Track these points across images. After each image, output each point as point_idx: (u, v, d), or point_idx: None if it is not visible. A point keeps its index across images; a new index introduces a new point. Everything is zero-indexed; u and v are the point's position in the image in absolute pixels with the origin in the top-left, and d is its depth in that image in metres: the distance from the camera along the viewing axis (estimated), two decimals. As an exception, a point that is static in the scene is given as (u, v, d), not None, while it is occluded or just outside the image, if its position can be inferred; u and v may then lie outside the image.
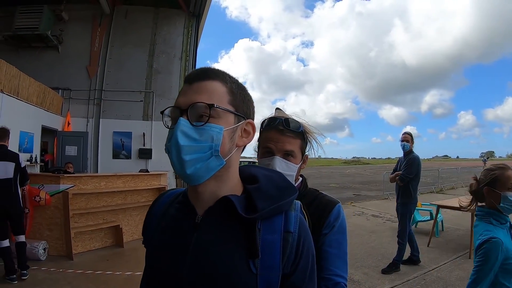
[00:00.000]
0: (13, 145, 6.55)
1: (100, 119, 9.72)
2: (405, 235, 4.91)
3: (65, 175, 5.97)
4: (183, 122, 0.75)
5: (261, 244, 0.77)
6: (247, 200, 0.81)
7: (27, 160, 7.18)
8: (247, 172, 0.91)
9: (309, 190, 1.45)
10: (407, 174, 4.87)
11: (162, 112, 0.83)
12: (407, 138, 5.01)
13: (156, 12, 10.38)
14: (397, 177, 4.93)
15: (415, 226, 7.57)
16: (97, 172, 9.27)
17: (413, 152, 5.03)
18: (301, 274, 0.81)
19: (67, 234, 5.47)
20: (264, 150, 1.30)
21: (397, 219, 5.17)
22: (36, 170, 7.70)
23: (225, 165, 0.80)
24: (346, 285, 1.22)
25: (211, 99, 0.77)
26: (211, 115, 0.77)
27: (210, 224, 0.81)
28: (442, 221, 7.40)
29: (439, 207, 6.60)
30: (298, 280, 0.80)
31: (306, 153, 1.40)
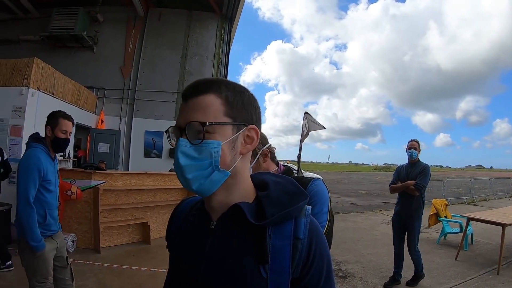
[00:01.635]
0: (48, 140, 6.78)
1: (133, 118, 9.93)
2: (416, 247, 4.61)
3: (96, 171, 6.12)
4: (182, 142, 0.78)
5: (271, 249, 0.79)
6: (257, 206, 0.83)
7: (61, 156, 7.43)
8: (259, 179, 0.92)
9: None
10: (424, 183, 4.54)
11: (166, 132, 0.86)
12: (415, 146, 4.73)
13: (189, 15, 10.49)
14: (411, 187, 4.55)
15: (444, 238, 7.26)
16: (128, 169, 9.49)
17: (420, 160, 4.76)
18: (315, 278, 0.81)
19: (95, 228, 5.62)
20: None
21: (426, 229, 4.84)
22: (69, 165, 7.97)
23: (231, 175, 0.82)
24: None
25: (206, 116, 0.79)
26: (207, 131, 0.78)
27: (223, 229, 0.84)
28: (472, 234, 7.03)
29: (469, 219, 6.19)
30: (311, 284, 0.81)
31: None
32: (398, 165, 5.22)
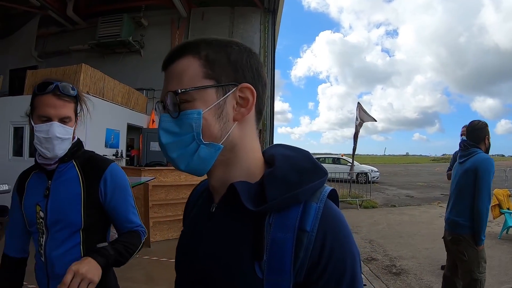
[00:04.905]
0: (99, 141, 7.21)
1: (183, 117, 10.15)
2: None
3: (145, 168, 6.36)
4: (163, 118, 0.69)
5: (270, 243, 0.62)
6: (260, 187, 0.67)
7: (113, 155, 7.87)
8: (269, 152, 0.75)
9: (86, 151, 1.53)
10: None
11: (155, 109, 0.78)
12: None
13: (231, 11, 10.51)
14: None
15: (507, 232, 6.53)
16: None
17: None
18: (331, 284, 0.61)
19: (146, 223, 5.71)
20: (41, 116, 1.34)
21: (488, 222, 4.43)
22: (122, 164, 8.33)
23: (226, 147, 0.68)
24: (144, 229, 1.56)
25: (181, 83, 0.66)
26: (182, 100, 0.66)
27: (222, 214, 0.73)
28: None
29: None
30: None
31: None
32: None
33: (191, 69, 0.67)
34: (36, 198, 1.40)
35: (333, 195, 0.70)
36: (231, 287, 0.65)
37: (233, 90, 0.68)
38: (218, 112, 0.67)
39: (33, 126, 1.33)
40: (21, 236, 1.50)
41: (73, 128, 1.39)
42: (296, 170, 0.67)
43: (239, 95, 0.69)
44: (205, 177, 0.76)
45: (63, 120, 1.33)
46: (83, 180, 1.41)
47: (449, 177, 4.48)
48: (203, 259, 0.71)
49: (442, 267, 4.54)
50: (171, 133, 0.67)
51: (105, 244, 1.30)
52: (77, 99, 1.41)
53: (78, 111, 1.43)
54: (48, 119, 1.30)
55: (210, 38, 0.71)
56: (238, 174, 0.70)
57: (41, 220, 1.38)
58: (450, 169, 4.54)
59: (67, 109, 1.35)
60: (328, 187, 0.69)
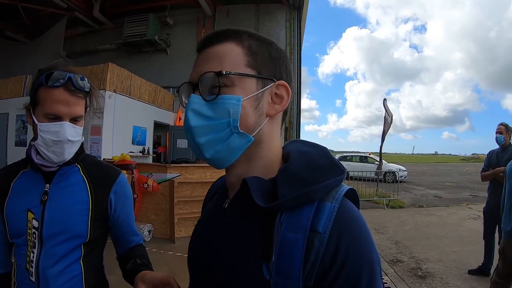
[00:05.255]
0: (127, 138, 7.38)
1: (209, 115, 10.24)
2: None
3: (171, 165, 6.42)
4: (194, 99, 0.64)
5: (279, 243, 0.59)
6: (273, 184, 0.64)
7: (140, 152, 8.04)
8: (286, 149, 0.73)
9: (88, 154, 1.35)
10: None
11: (177, 91, 0.73)
12: (501, 130, 4.20)
13: (257, 8, 10.49)
14: (501, 174, 4.03)
15: None
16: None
17: (511, 144, 4.20)
18: None
19: (171, 219, 5.87)
20: (49, 114, 1.10)
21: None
22: (149, 160, 8.50)
23: (255, 141, 0.66)
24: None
25: (222, 65, 0.64)
26: (223, 84, 0.63)
27: (234, 211, 0.70)
28: None
29: None
30: None
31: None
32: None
33: (234, 54, 0.66)
34: (27, 203, 1.15)
35: (351, 195, 0.66)
36: (236, 287, 0.62)
37: (271, 85, 0.67)
38: (255, 103, 0.66)
39: (36, 124, 1.10)
40: (2, 248, 1.22)
41: (82, 128, 1.18)
42: (311, 167, 0.64)
43: (275, 92, 0.68)
44: (222, 173, 0.74)
45: (75, 120, 1.13)
46: (90, 187, 1.22)
47: (484, 178, 4.35)
48: (210, 256, 0.69)
49: (470, 272, 4.37)
50: (202, 116, 0.64)
51: (142, 261, 1.23)
52: (89, 94, 1.19)
53: (87, 107, 1.21)
54: (57, 118, 1.09)
55: (252, 31, 0.70)
56: (257, 171, 0.68)
57: (33, 230, 1.14)
58: (484, 169, 4.38)
59: (80, 107, 1.14)
60: (346, 186, 0.65)
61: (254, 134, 0.65)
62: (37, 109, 1.11)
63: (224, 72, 0.62)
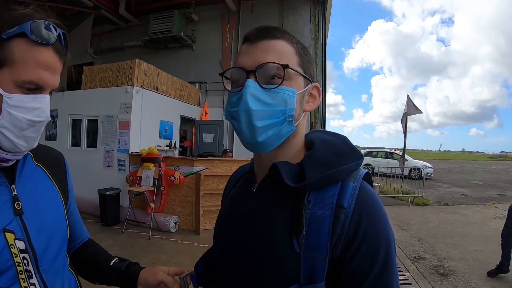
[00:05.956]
0: (154, 132, 7.57)
1: (235, 109, 10.26)
2: None
3: (198, 158, 6.59)
4: (252, 84, 0.69)
5: (308, 219, 0.66)
6: (300, 168, 0.72)
7: (167, 146, 8.25)
8: (308, 137, 0.82)
9: None
10: None
11: (222, 74, 0.78)
12: None
13: (281, 3, 10.41)
14: None
15: None
16: (231, 156, 9.88)
17: None
18: (366, 263, 0.64)
19: (197, 211, 6.02)
20: (28, 83, 0.75)
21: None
22: (175, 154, 8.66)
23: (294, 131, 0.75)
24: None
25: (281, 59, 0.71)
26: (285, 77, 0.70)
27: (263, 193, 0.78)
28: None
29: None
30: (360, 271, 0.64)
31: None
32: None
33: (289, 52, 0.74)
34: None
35: (367, 178, 0.74)
36: (269, 260, 0.68)
37: (310, 85, 0.78)
38: (301, 98, 0.75)
39: (0, 95, 0.72)
40: None
41: None
42: (334, 153, 0.73)
43: (311, 92, 0.79)
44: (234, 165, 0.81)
45: (50, 93, 0.82)
46: (51, 176, 0.95)
47: None
48: (243, 234, 0.75)
49: (489, 274, 4.26)
50: (261, 102, 0.69)
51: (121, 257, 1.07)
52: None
53: None
54: (38, 89, 0.77)
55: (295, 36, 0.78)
56: (286, 156, 0.76)
57: (22, 255, 0.79)
58: None
59: (59, 75, 0.83)
60: (363, 170, 0.74)
61: (296, 124, 0.74)
62: (3, 71, 0.73)
63: (289, 66, 0.70)
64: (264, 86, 0.70)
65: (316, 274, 0.64)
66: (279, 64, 0.69)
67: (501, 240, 4.27)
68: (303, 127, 0.79)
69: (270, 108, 0.69)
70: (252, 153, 0.81)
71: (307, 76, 0.76)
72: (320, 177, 0.67)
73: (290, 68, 0.71)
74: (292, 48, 0.74)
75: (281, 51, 0.72)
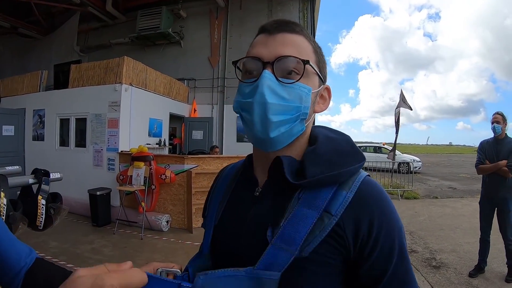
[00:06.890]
0: (143, 130, 7.50)
1: (224, 105, 10.12)
2: None
3: (189, 156, 6.54)
4: (269, 76, 0.66)
5: (292, 214, 0.65)
6: (301, 164, 0.70)
7: (156, 143, 8.17)
8: (312, 133, 0.78)
9: None
10: None
11: (234, 63, 0.75)
12: (498, 119, 3.97)
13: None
14: (503, 168, 3.82)
15: None
16: (221, 154, 9.87)
17: (507, 135, 4.01)
18: (381, 258, 0.64)
19: (188, 209, 5.99)
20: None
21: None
22: (165, 152, 8.59)
23: (303, 131, 0.73)
24: None
25: (301, 55, 0.68)
26: (304, 73, 0.68)
27: (268, 195, 0.73)
28: None
29: None
30: (378, 266, 0.64)
31: None
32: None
33: (308, 49, 0.71)
34: None
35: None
36: (252, 251, 0.65)
37: (323, 86, 0.76)
38: (314, 98, 0.73)
39: None
40: None
41: None
42: (336, 151, 0.71)
43: (322, 93, 0.77)
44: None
45: None
46: None
47: (482, 171, 4.14)
48: (249, 240, 0.70)
49: (470, 275, 4.12)
50: (277, 95, 0.66)
51: None
52: None
53: None
54: None
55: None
56: (290, 154, 0.72)
57: None
58: (481, 162, 4.13)
59: None
60: (364, 173, 0.71)
61: (306, 124, 0.72)
62: None
63: (310, 62, 0.68)
64: (281, 79, 0.67)
65: (277, 263, 0.62)
66: (299, 58, 0.67)
67: (480, 238, 4.23)
68: (308, 129, 0.76)
69: (286, 103, 0.66)
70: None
71: (322, 76, 0.74)
72: (321, 178, 0.65)
73: (311, 66, 0.69)
74: (310, 45, 0.72)
75: (300, 46, 0.69)
